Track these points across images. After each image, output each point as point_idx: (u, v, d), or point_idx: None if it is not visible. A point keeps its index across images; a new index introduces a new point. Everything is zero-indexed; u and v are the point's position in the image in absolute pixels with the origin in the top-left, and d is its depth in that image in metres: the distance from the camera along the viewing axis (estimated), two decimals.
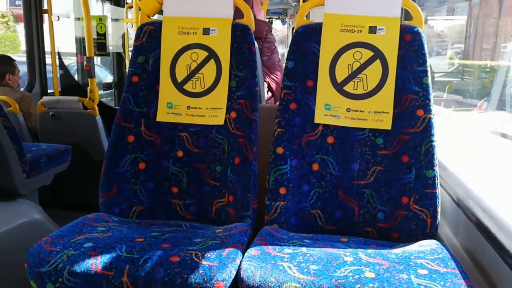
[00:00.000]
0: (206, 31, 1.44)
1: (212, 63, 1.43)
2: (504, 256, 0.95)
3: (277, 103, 1.41)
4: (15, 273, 1.42)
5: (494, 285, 1.00)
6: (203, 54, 1.43)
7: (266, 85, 2.37)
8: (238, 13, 1.46)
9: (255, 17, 2.30)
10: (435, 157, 1.25)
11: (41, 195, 2.33)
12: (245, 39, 1.42)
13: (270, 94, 2.41)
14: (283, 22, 10.78)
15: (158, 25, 1.46)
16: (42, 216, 1.94)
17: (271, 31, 2.39)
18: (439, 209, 1.23)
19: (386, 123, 1.31)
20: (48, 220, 1.96)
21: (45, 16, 3.15)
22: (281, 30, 12.40)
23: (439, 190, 1.25)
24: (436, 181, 1.24)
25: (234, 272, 1.00)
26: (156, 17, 1.62)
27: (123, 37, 4.14)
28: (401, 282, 0.93)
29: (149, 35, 1.46)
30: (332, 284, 0.93)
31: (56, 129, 2.65)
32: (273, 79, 2.37)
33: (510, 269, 0.92)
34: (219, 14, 1.43)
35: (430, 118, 1.27)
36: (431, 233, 1.23)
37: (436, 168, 1.25)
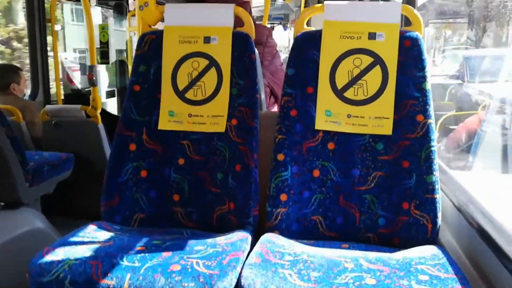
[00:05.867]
0: (207, 40, 1.44)
1: (213, 71, 1.43)
2: (505, 262, 0.95)
3: None
4: (19, 282, 1.42)
5: None
6: (204, 62, 1.44)
7: (269, 90, 2.36)
8: (238, 21, 1.48)
9: (255, 23, 2.31)
10: (435, 162, 1.25)
11: (44, 203, 2.34)
12: (246, 47, 1.43)
13: (274, 99, 2.40)
14: (285, 28, 10.78)
15: (159, 34, 1.47)
16: (45, 224, 1.95)
17: (272, 35, 2.39)
18: (439, 214, 1.23)
19: (386, 129, 1.31)
20: (51, 229, 1.97)
21: None
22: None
23: (439, 195, 1.24)
24: (437, 186, 1.24)
25: (235, 280, 1.00)
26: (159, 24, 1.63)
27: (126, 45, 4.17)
28: None
29: (151, 45, 1.47)
30: None
31: (59, 138, 2.66)
32: (277, 82, 2.36)
33: None
34: (220, 23, 1.44)
35: (430, 123, 1.27)
36: (432, 238, 1.23)
37: (437, 173, 1.25)
